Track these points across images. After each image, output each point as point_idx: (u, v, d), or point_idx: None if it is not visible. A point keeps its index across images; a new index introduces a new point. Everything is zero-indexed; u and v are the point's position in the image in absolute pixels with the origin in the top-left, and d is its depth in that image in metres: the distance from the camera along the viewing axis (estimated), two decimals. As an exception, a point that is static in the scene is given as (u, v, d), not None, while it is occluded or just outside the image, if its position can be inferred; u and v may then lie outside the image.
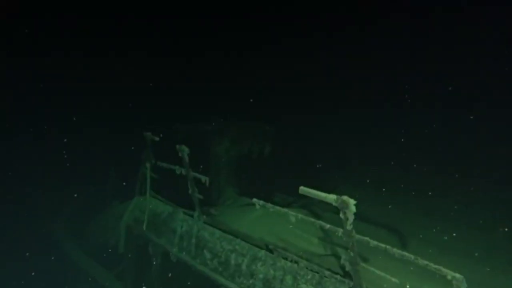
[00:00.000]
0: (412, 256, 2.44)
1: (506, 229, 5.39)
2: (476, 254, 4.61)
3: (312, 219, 3.16)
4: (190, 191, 5.01)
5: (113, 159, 7.85)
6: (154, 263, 5.78)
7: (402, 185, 7.10)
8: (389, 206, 6.23)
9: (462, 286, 2.20)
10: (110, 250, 6.64)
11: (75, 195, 7.81)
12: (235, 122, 7.70)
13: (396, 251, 2.54)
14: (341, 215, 2.78)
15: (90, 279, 6.68)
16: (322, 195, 2.80)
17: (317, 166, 7.92)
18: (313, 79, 11.35)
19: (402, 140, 8.54)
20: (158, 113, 8.73)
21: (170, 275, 5.69)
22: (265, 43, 12.94)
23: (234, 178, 7.16)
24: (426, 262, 2.36)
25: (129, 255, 6.34)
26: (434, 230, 5.46)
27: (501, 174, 6.98)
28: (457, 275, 2.21)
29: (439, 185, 7.04)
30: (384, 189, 6.89)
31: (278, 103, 10.68)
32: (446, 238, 5.17)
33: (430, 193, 6.85)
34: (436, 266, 2.30)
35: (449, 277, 2.27)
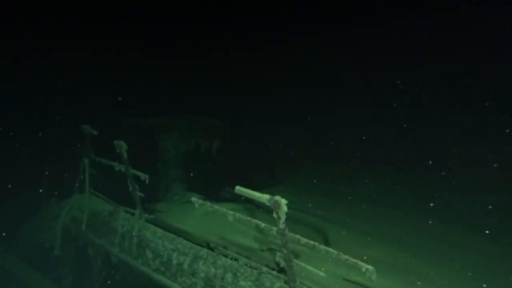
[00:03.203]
0: (335, 252, 2.57)
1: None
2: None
3: (249, 218, 3.16)
4: (130, 189, 4.78)
5: (48, 154, 7.24)
6: (94, 265, 5.48)
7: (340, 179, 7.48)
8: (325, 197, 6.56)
9: (373, 276, 2.41)
10: (46, 253, 6.16)
11: (6, 195, 7.10)
12: (184, 116, 7.48)
13: (323, 247, 2.64)
14: (274, 214, 2.81)
15: (24, 286, 6.15)
16: (256, 195, 2.81)
17: (265, 161, 8.03)
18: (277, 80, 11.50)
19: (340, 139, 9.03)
20: (102, 106, 8.18)
21: (111, 277, 5.43)
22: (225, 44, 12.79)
23: (182, 173, 6.99)
24: (346, 256, 2.52)
25: (67, 258, 5.95)
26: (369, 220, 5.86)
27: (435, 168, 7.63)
28: (370, 267, 2.43)
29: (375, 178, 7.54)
30: (325, 183, 7.20)
31: (235, 100, 10.62)
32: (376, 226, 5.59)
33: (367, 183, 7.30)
34: (354, 260, 2.48)
35: (363, 269, 2.45)
